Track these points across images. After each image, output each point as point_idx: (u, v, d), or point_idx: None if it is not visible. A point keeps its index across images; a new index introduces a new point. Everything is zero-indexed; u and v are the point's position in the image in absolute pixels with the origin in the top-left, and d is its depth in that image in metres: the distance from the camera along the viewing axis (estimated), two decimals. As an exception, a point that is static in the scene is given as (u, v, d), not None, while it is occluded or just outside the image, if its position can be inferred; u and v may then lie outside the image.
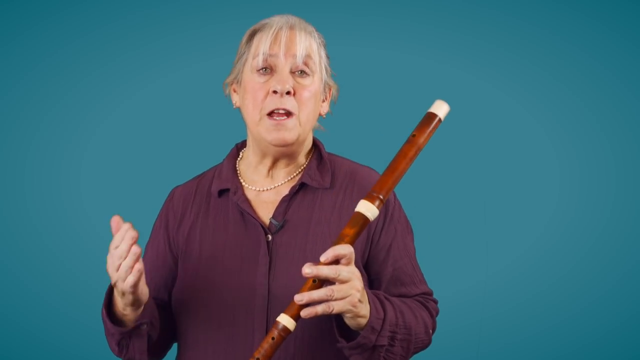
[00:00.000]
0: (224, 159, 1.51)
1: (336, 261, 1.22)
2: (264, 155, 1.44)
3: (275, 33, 1.39)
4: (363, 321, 1.26)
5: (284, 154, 1.42)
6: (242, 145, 1.53)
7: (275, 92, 1.37)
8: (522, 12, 2.61)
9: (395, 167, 1.28)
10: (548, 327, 2.55)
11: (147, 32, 2.61)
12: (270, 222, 1.40)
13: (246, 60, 1.42)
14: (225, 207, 1.44)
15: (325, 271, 1.20)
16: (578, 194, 2.60)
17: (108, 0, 2.61)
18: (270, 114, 1.37)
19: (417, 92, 2.42)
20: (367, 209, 1.26)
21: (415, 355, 1.42)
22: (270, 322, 1.32)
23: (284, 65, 1.38)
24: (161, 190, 1.56)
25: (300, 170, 1.46)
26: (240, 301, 1.35)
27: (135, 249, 1.22)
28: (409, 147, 1.29)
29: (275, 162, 1.44)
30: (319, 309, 1.20)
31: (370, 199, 1.26)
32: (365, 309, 1.26)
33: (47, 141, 2.61)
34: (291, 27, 1.40)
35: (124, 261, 1.22)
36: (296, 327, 1.22)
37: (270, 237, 1.39)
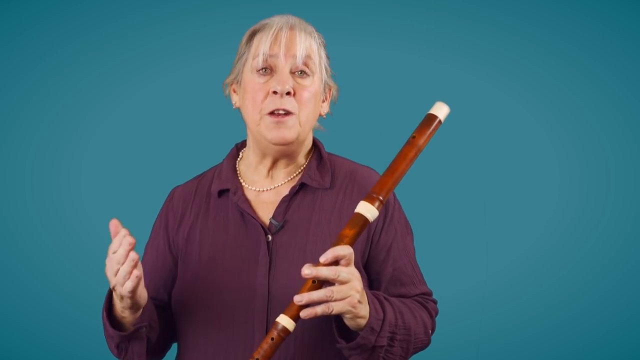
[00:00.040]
0: (223, 159, 1.51)
1: (336, 262, 1.22)
2: (264, 156, 1.43)
3: (275, 33, 1.39)
4: (362, 322, 1.27)
5: (283, 153, 1.42)
6: (242, 145, 1.53)
7: (275, 92, 1.37)
8: (522, 12, 2.61)
9: (395, 168, 1.28)
10: (548, 327, 2.55)
11: (147, 32, 2.61)
12: (270, 222, 1.40)
13: (246, 60, 1.42)
14: (225, 207, 1.44)
15: (324, 272, 1.20)
16: (578, 194, 2.60)
17: (108, 0, 2.61)
18: (271, 113, 1.37)
19: (417, 92, 2.42)
20: (367, 210, 1.26)
21: (415, 355, 1.42)
22: (270, 322, 1.32)
23: (284, 66, 1.38)
24: (161, 191, 1.55)
25: (300, 170, 1.46)
26: (240, 302, 1.35)
27: (133, 255, 1.22)
28: (409, 148, 1.29)
29: (275, 162, 1.44)
30: (319, 309, 1.20)
31: (370, 200, 1.26)
32: (364, 310, 1.26)
33: (47, 141, 2.61)
34: (291, 28, 1.40)
35: (121, 266, 1.22)
36: (296, 328, 1.22)
37: (270, 237, 1.39)
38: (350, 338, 1.29)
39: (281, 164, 1.44)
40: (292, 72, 1.39)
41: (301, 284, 1.23)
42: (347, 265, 1.22)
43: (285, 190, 1.43)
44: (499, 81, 2.61)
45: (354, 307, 1.23)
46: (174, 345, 1.50)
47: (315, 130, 1.49)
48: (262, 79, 1.39)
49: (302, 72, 1.39)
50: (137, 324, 1.32)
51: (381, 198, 1.26)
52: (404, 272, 1.44)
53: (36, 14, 2.60)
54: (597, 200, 2.59)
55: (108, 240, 1.24)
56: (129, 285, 1.23)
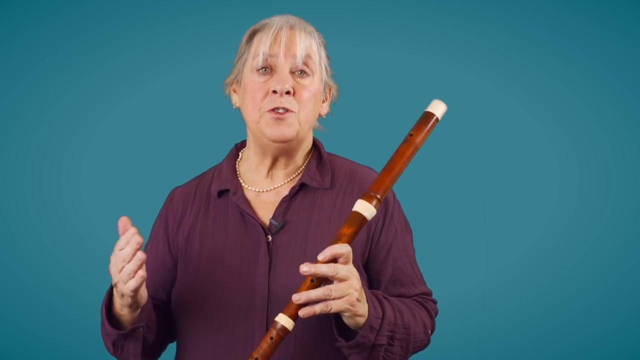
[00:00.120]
0: (223, 160, 1.51)
1: (334, 260, 1.22)
2: (264, 154, 1.43)
3: (275, 33, 1.39)
4: (361, 320, 1.27)
5: (283, 151, 1.42)
6: (242, 145, 1.53)
7: (275, 92, 1.37)
8: (522, 12, 2.61)
9: (392, 167, 1.28)
10: (548, 327, 2.55)
11: (147, 32, 2.61)
12: (270, 222, 1.40)
13: (246, 60, 1.42)
14: (225, 207, 1.44)
15: (323, 269, 1.20)
16: (578, 194, 2.60)
17: (108, 0, 2.61)
18: (271, 111, 1.37)
19: (417, 92, 2.42)
20: (365, 208, 1.26)
21: (415, 355, 1.42)
22: (270, 322, 1.32)
23: (283, 65, 1.38)
24: (161, 191, 1.55)
25: (300, 170, 1.46)
26: (240, 302, 1.35)
27: (140, 255, 1.22)
28: (406, 146, 1.29)
29: (274, 161, 1.44)
30: (317, 308, 1.20)
31: (368, 198, 1.26)
32: (363, 308, 1.26)
33: (47, 141, 2.61)
34: (291, 27, 1.40)
35: (127, 265, 1.22)
36: (295, 327, 1.22)
37: (270, 237, 1.39)
38: (350, 337, 1.29)
39: (281, 163, 1.44)
40: (292, 72, 1.39)
41: (301, 284, 1.23)
42: (346, 263, 1.22)
43: (285, 191, 1.43)
44: (499, 81, 2.61)
45: (352, 305, 1.23)
46: (173, 345, 1.50)
47: (315, 130, 1.50)
48: (262, 79, 1.39)
49: (302, 71, 1.39)
50: (135, 323, 1.32)
51: (379, 196, 1.26)
52: (403, 272, 1.44)
53: (36, 14, 2.60)
54: (597, 200, 2.59)
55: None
56: (132, 284, 1.23)
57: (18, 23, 2.60)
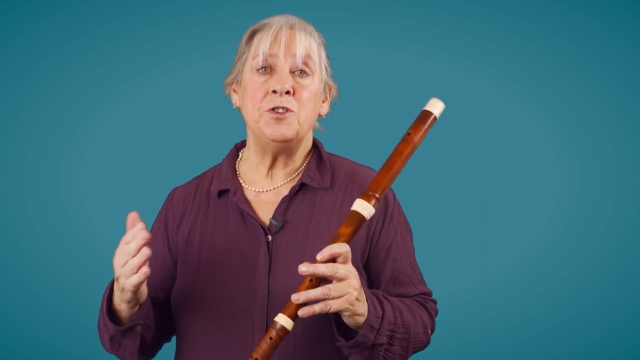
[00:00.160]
0: (223, 160, 1.51)
1: (333, 260, 1.22)
2: (263, 153, 1.43)
3: (275, 33, 1.39)
4: (361, 319, 1.27)
5: (282, 149, 1.42)
6: (242, 145, 1.53)
7: (274, 91, 1.37)
8: (522, 12, 2.61)
9: (390, 166, 1.28)
10: (548, 327, 2.55)
11: (147, 32, 2.61)
12: (270, 222, 1.40)
13: (246, 60, 1.42)
14: (225, 207, 1.44)
15: (321, 269, 1.20)
16: (578, 194, 2.60)
17: (108, 0, 2.61)
18: (270, 110, 1.37)
19: (418, 92, 2.40)
20: (363, 207, 1.26)
21: (415, 355, 1.42)
22: (270, 322, 1.32)
23: (283, 65, 1.38)
24: (161, 191, 1.55)
25: (300, 170, 1.46)
26: (240, 302, 1.35)
27: (146, 251, 1.22)
28: (405, 145, 1.29)
29: (274, 160, 1.44)
30: (317, 308, 1.20)
31: (366, 197, 1.26)
32: (363, 307, 1.26)
33: (47, 141, 2.61)
34: (291, 27, 1.40)
35: (131, 259, 1.22)
36: (295, 327, 1.22)
37: (270, 237, 1.39)
38: (350, 336, 1.29)
39: (280, 162, 1.44)
40: (292, 72, 1.39)
41: (301, 283, 1.23)
42: (344, 262, 1.22)
43: (285, 191, 1.44)
44: (499, 81, 2.61)
45: (351, 304, 1.23)
46: (173, 345, 1.49)
47: (315, 130, 1.50)
48: (262, 79, 1.39)
49: (302, 71, 1.39)
50: (134, 321, 1.32)
51: (377, 195, 1.26)
52: (403, 272, 1.44)
53: (36, 14, 2.60)
54: (597, 200, 2.59)
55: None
56: (134, 279, 1.23)
57: (18, 23, 2.60)
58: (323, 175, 1.44)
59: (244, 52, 1.43)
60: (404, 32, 2.61)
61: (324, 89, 1.46)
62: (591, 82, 2.60)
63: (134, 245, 1.22)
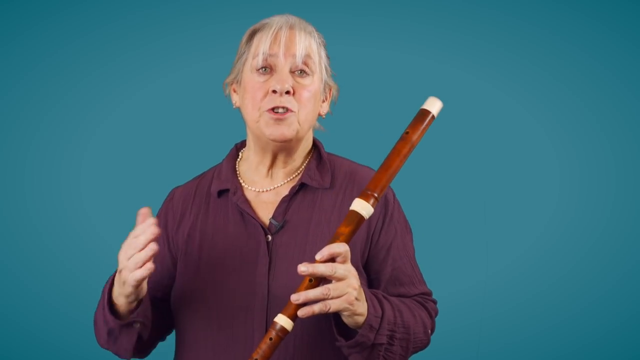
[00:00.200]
0: (223, 160, 1.51)
1: (332, 259, 1.22)
2: (263, 153, 1.43)
3: (275, 33, 1.39)
4: (361, 319, 1.27)
5: (282, 149, 1.42)
6: (242, 145, 1.53)
7: (274, 91, 1.37)
8: (522, 12, 2.61)
9: (389, 165, 1.28)
10: (548, 327, 2.55)
11: (147, 32, 2.61)
12: (270, 222, 1.40)
13: (246, 60, 1.42)
14: (225, 207, 1.44)
15: (321, 269, 1.20)
16: (578, 194, 2.60)
17: (108, 0, 2.61)
18: (270, 110, 1.37)
19: (418, 92, 2.40)
20: (362, 207, 1.26)
21: (415, 355, 1.42)
22: (269, 322, 1.32)
23: (283, 65, 1.38)
24: (161, 190, 1.56)
25: (300, 170, 1.46)
26: (240, 301, 1.35)
27: (153, 246, 1.22)
28: (403, 144, 1.29)
29: (274, 159, 1.44)
30: (316, 308, 1.21)
31: (365, 197, 1.26)
32: (362, 307, 1.26)
33: (47, 141, 2.61)
34: (291, 27, 1.40)
35: (138, 253, 1.22)
36: (295, 327, 1.22)
37: (270, 237, 1.39)
38: (350, 336, 1.29)
39: (280, 162, 1.44)
40: (291, 72, 1.39)
41: (301, 283, 1.23)
42: (343, 262, 1.22)
43: (285, 191, 1.44)
44: (499, 81, 2.61)
45: (351, 304, 1.23)
46: (172, 344, 1.49)
47: (315, 130, 1.50)
48: (261, 78, 1.39)
49: (302, 71, 1.39)
50: (133, 318, 1.32)
51: (376, 195, 1.26)
52: (403, 271, 1.44)
53: (36, 14, 2.60)
54: (597, 200, 2.59)
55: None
56: (138, 273, 1.23)
57: (18, 23, 2.60)
58: (323, 175, 1.44)
59: (243, 52, 1.43)
60: (404, 32, 2.61)
61: (324, 89, 1.46)
62: (591, 82, 2.60)
63: (142, 239, 1.22)
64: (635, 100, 2.59)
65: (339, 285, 1.21)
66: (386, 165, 1.28)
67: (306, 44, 1.40)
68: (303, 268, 1.20)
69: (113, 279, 1.31)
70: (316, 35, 1.43)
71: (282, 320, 1.21)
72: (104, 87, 2.62)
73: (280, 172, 1.45)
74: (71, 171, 2.61)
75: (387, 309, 1.32)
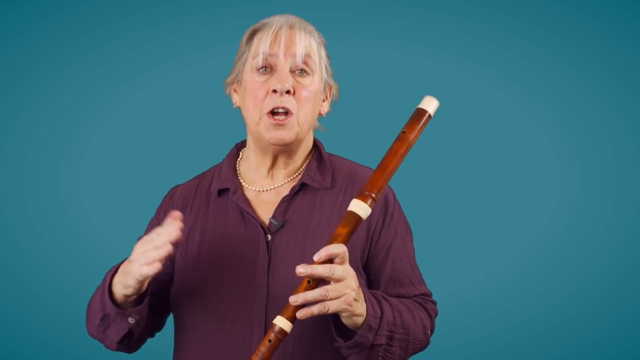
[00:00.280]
0: (223, 159, 1.51)
1: (330, 260, 1.22)
2: (264, 154, 1.44)
3: (275, 32, 1.39)
4: (359, 320, 1.27)
5: (282, 150, 1.42)
6: (242, 145, 1.53)
7: (275, 91, 1.37)
8: (522, 12, 2.61)
9: (386, 165, 1.28)
10: (548, 327, 2.55)
11: (147, 32, 2.61)
12: (270, 222, 1.40)
13: (246, 59, 1.42)
14: (225, 206, 1.44)
15: (319, 270, 1.20)
16: (578, 194, 2.60)
17: (108, 0, 2.61)
18: (270, 114, 1.37)
19: (418, 92, 2.40)
20: (360, 207, 1.26)
21: (414, 356, 1.42)
22: (269, 321, 1.32)
23: (283, 65, 1.38)
24: (161, 190, 1.56)
25: (300, 170, 1.46)
26: (240, 301, 1.35)
27: (169, 247, 1.24)
28: (400, 144, 1.29)
29: (275, 160, 1.44)
30: (315, 309, 1.20)
31: (363, 197, 1.26)
32: (361, 308, 1.26)
33: (47, 141, 2.61)
34: (291, 27, 1.40)
35: (153, 250, 1.24)
36: (294, 328, 1.22)
37: (269, 237, 1.39)
38: (349, 337, 1.29)
39: (281, 163, 1.44)
40: (292, 71, 1.39)
41: (300, 283, 1.23)
42: (342, 263, 1.22)
43: (285, 191, 1.44)
44: (499, 81, 2.61)
45: (350, 305, 1.23)
46: (171, 344, 1.49)
47: (315, 130, 1.50)
48: (262, 78, 1.39)
49: (302, 71, 1.39)
50: (131, 315, 1.33)
51: (373, 195, 1.26)
52: (403, 272, 1.44)
53: (36, 14, 2.60)
54: (597, 200, 2.59)
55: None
56: (144, 270, 1.24)
57: (18, 23, 2.60)
58: (323, 175, 1.44)
59: (244, 52, 1.43)
60: (404, 32, 2.61)
61: (324, 88, 1.46)
62: (591, 82, 2.60)
63: (163, 238, 1.24)
64: (635, 100, 2.59)
65: (337, 286, 1.21)
66: (383, 165, 1.28)
67: (306, 44, 1.40)
68: (301, 269, 1.20)
69: (118, 267, 1.32)
70: (316, 35, 1.43)
71: (281, 322, 1.21)
72: (104, 87, 2.61)
73: (280, 172, 1.45)
74: (71, 171, 2.61)
75: (386, 310, 1.31)
